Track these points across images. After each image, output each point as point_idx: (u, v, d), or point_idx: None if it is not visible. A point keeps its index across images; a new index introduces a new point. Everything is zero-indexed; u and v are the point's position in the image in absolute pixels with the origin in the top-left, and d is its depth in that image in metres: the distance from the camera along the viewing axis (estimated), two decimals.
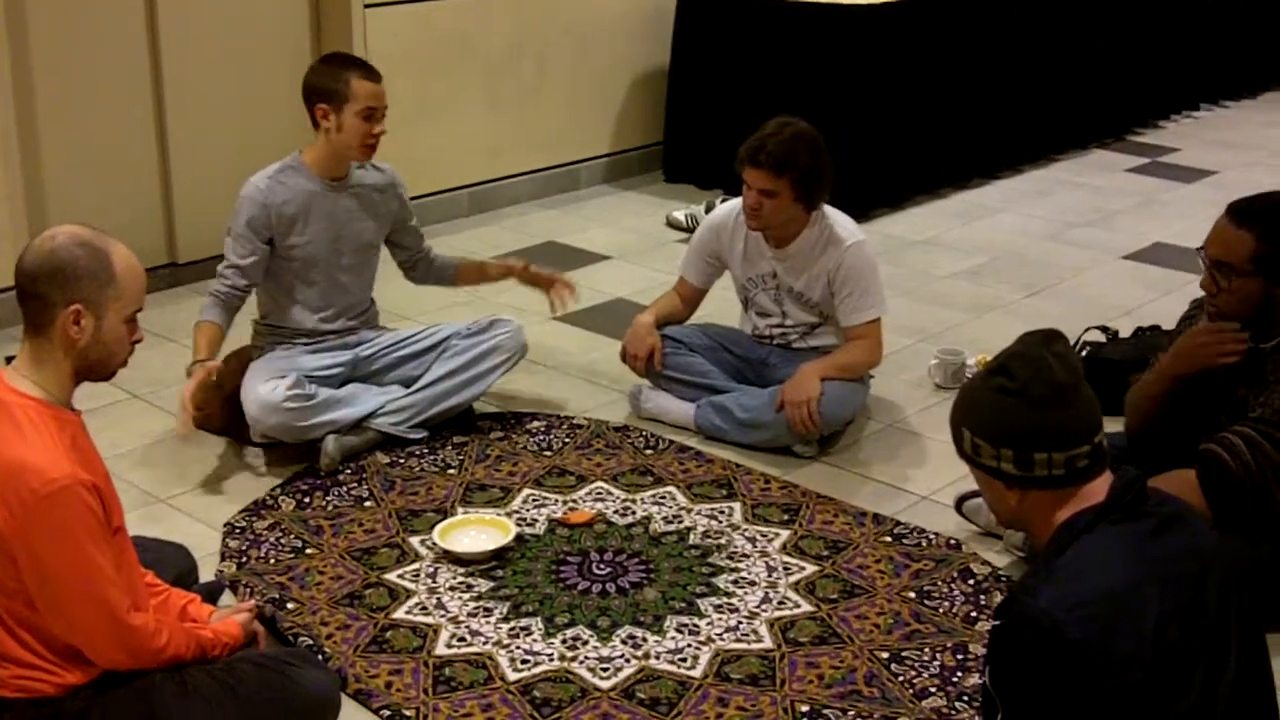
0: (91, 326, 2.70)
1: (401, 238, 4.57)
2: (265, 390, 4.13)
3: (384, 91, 4.24)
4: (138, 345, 2.83)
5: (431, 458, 4.30)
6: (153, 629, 2.77)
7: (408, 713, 3.13)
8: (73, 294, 2.68)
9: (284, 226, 4.25)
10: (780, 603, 3.60)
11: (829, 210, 4.45)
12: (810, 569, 3.76)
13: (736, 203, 4.51)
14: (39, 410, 2.67)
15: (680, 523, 3.97)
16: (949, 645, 3.41)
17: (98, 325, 2.71)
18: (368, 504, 4.04)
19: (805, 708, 3.17)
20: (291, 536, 3.86)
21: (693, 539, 3.89)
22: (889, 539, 3.91)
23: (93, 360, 2.75)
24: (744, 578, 3.71)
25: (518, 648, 3.38)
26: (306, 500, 4.05)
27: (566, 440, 4.44)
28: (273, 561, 3.74)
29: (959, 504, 3.99)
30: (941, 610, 3.57)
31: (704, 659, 3.36)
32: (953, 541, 3.89)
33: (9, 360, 2.82)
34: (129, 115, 5.53)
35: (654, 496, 4.12)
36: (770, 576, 3.72)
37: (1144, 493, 2.37)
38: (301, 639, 3.36)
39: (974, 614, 3.55)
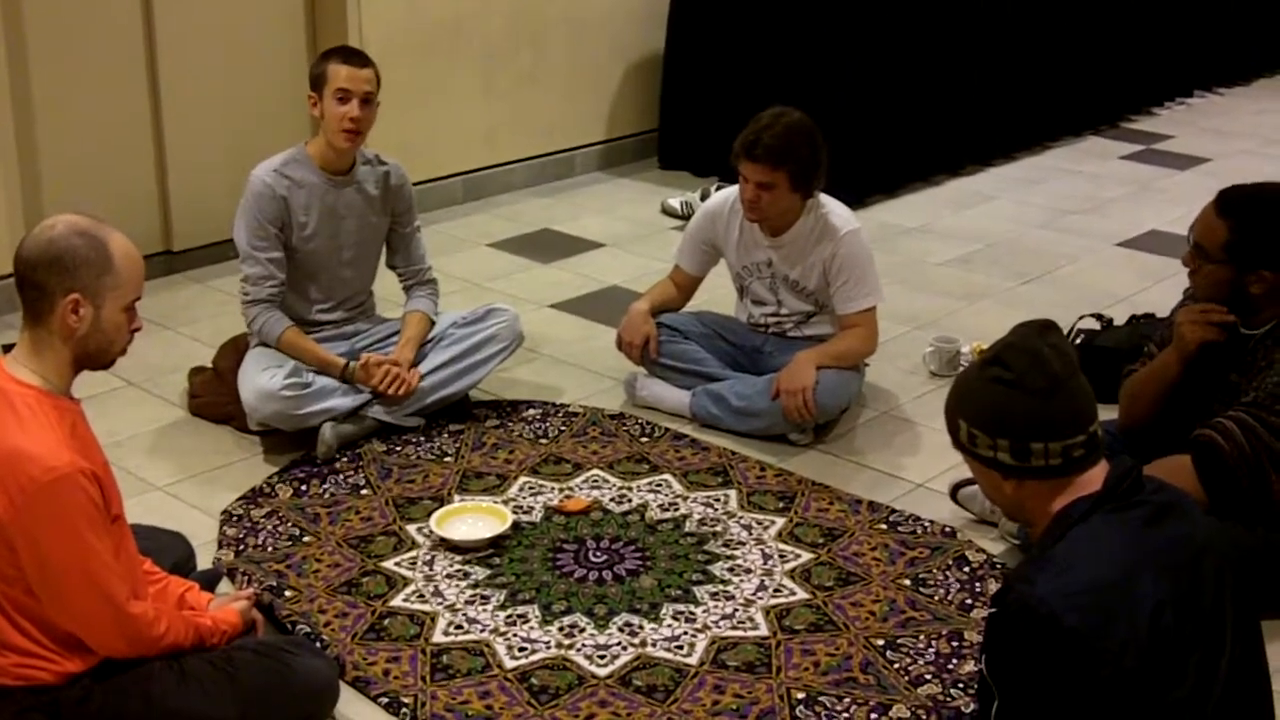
0: (90, 315, 2.71)
1: (393, 239, 4.52)
2: (263, 379, 4.13)
3: (366, 77, 4.19)
4: (136, 334, 2.84)
5: (428, 446, 4.31)
6: (151, 617, 2.78)
7: (405, 700, 3.14)
8: (71, 283, 2.68)
9: (291, 220, 4.25)
10: (776, 590, 3.61)
11: (824, 198, 4.46)
12: (806, 556, 3.77)
13: (732, 190, 4.52)
14: (38, 398, 2.68)
15: (676, 510, 3.98)
16: (944, 632, 3.43)
17: (96, 314, 2.71)
18: (364, 492, 4.05)
19: (801, 695, 3.19)
20: (289, 524, 3.87)
21: (689, 527, 3.90)
22: (884, 526, 3.92)
23: (91, 349, 2.75)
24: (740, 565, 3.72)
25: (515, 635, 3.39)
26: (304, 488, 4.06)
27: (562, 428, 4.45)
28: (270, 549, 3.75)
29: (954, 491, 4.00)
30: (937, 597, 3.59)
31: (700, 646, 3.37)
32: (948, 529, 3.91)
33: (8, 349, 2.82)
34: (124, 103, 5.52)
35: (650, 484, 4.13)
36: (766, 564, 3.73)
37: (1140, 481, 2.39)
38: (299, 627, 3.36)
39: (969, 601, 3.56)
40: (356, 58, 4.23)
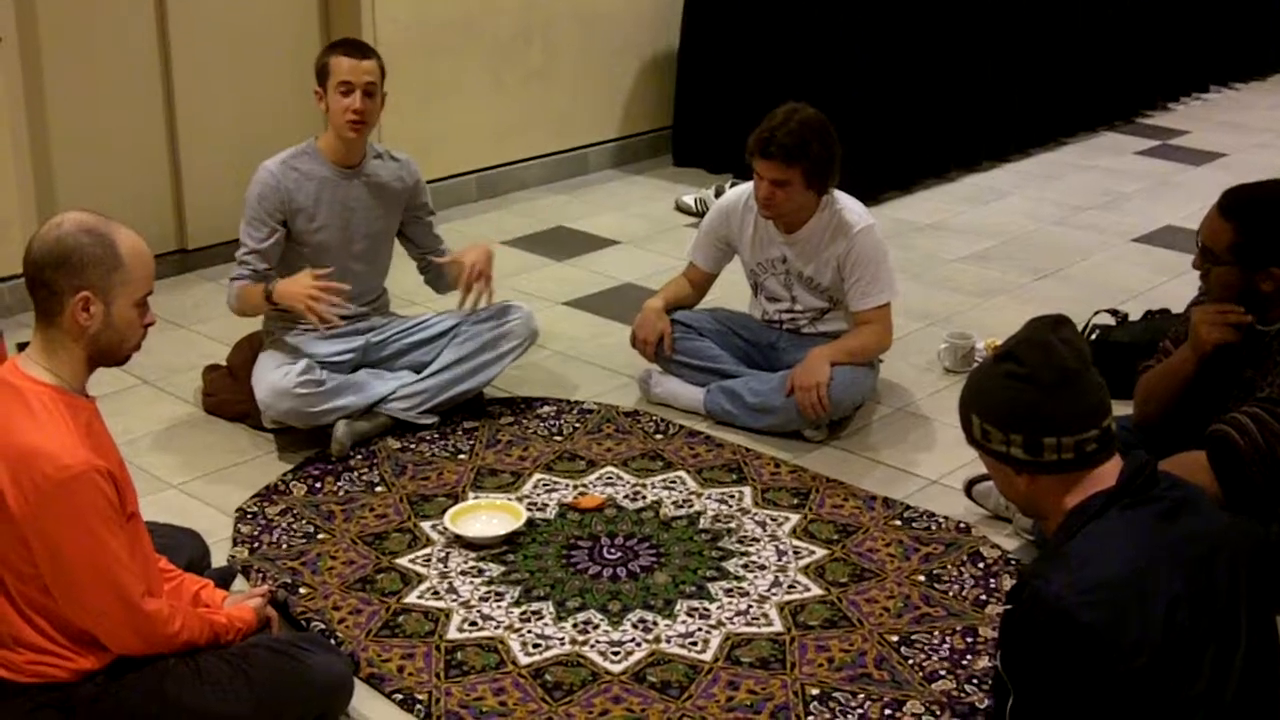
0: (101, 313, 2.70)
1: (413, 232, 4.55)
2: (276, 376, 4.14)
3: (368, 68, 4.20)
4: (150, 329, 2.84)
5: (442, 443, 4.31)
6: (166, 615, 2.78)
7: (420, 697, 3.14)
8: (80, 281, 2.68)
9: (296, 212, 4.25)
10: (790, 586, 3.61)
11: (838, 195, 4.45)
12: (820, 553, 3.77)
13: (746, 187, 4.52)
14: (53, 396, 2.68)
15: (690, 507, 3.98)
16: (959, 628, 3.42)
17: (107, 311, 2.71)
18: (379, 489, 4.05)
19: (815, 691, 3.18)
20: (303, 522, 3.88)
21: (703, 523, 3.90)
22: (898, 523, 3.92)
23: (104, 346, 2.75)
24: (754, 562, 3.72)
25: (529, 632, 3.40)
26: (318, 485, 4.06)
27: (577, 425, 4.45)
28: (285, 547, 3.76)
29: (968, 488, 3.99)
30: (951, 593, 3.58)
31: (714, 643, 3.37)
32: (962, 525, 3.90)
33: (22, 347, 2.83)
34: (138, 102, 5.54)
35: (664, 481, 4.13)
36: (780, 560, 3.73)
37: (1154, 477, 2.39)
38: (314, 624, 3.37)
39: (983, 597, 3.56)
40: (357, 49, 4.24)
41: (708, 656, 3.32)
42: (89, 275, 2.68)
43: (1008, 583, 3.59)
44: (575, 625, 3.43)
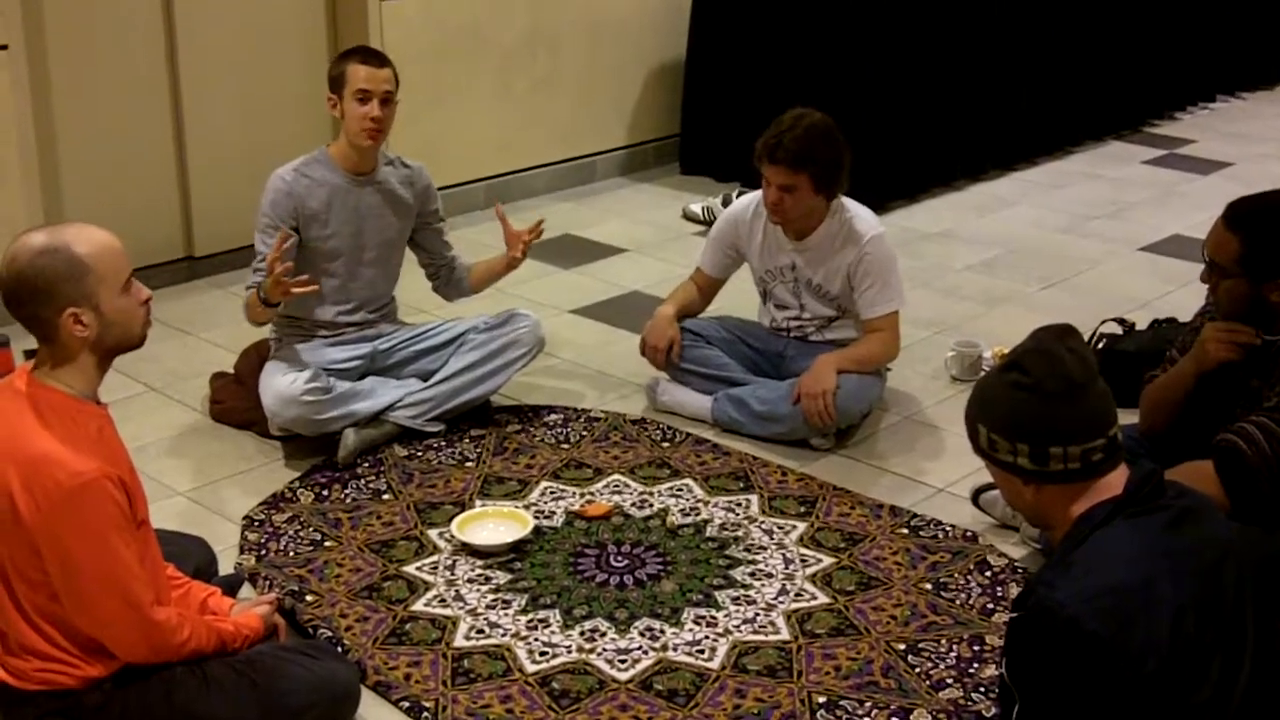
0: (94, 319, 2.68)
1: (423, 239, 4.56)
2: (284, 383, 4.14)
3: (385, 76, 4.22)
4: (153, 318, 2.82)
5: (449, 450, 4.31)
6: (175, 623, 2.78)
7: (427, 704, 3.14)
8: (60, 301, 2.66)
9: (308, 218, 4.26)
10: (797, 594, 3.61)
11: (848, 202, 4.45)
12: (827, 561, 3.77)
13: (755, 195, 4.52)
14: (64, 404, 2.69)
15: (697, 515, 3.98)
16: (965, 637, 3.42)
17: (99, 314, 2.69)
18: (386, 497, 4.06)
19: (822, 699, 3.18)
20: (310, 529, 3.88)
21: (710, 531, 3.90)
22: (906, 531, 3.92)
23: (112, 343, 2.75)
24: (761, 570, 3.72)
25: (536, 640, 3.40)
26: (325, 493, 4.07)
27: (584, 433, 4.45)
28: (292, 554, 3.76)
29: (975, 496, 4.00)
30: (958, 602, 3.58)
31: (721, 651, 3.37)
32: (969, 533, 3.90)
33: (30, 354, 2.83)
34: (146, 109, 5.55)
35: (671, 489, 4.13)
36: (787, 568, 3.73)
37: (1161, 485, 2.39)
38: (321, 631, 3.37)
39: (990, 606, 3.56)
40: (375, 58, 4.26)
41: (715, 664, 3.32)
42: (65, 292, 2.66)
43: (1014, 591, 3.59)
44: (582, 633, 3.43)
